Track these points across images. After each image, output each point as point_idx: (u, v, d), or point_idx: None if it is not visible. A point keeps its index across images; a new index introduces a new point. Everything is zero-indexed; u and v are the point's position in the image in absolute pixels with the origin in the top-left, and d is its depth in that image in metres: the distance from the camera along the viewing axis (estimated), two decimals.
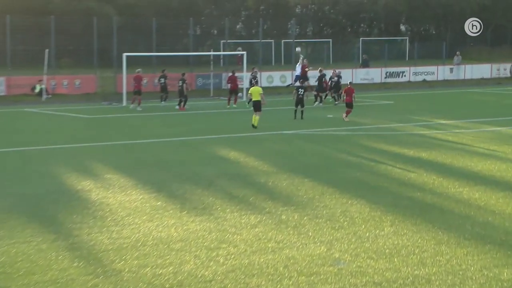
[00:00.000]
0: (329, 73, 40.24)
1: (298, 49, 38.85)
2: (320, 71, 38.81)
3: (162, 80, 37.90)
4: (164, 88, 37.76)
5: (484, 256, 11.90)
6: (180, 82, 36.37)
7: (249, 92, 29.30)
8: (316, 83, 38.70)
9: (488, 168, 19.74)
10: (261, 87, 30.16)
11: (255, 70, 39.95)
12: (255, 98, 28.61)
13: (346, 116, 30.55)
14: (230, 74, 39.26)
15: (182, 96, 36.13)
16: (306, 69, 40.77)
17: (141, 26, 53.06)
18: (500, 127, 28.86)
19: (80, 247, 12.47)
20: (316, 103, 37.72)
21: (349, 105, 30.82)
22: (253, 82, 37.44)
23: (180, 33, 57.76)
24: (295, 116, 31.17)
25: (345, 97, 31.48)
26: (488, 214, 14.70)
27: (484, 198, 16.11)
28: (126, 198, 16.26)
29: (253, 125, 28.05)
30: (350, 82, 32.83)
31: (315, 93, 38.22)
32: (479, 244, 12.54)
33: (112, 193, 16.72)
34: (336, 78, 39.02)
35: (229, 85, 38.26)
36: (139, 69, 37.18)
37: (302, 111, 31.15)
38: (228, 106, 37.15)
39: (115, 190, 17.09)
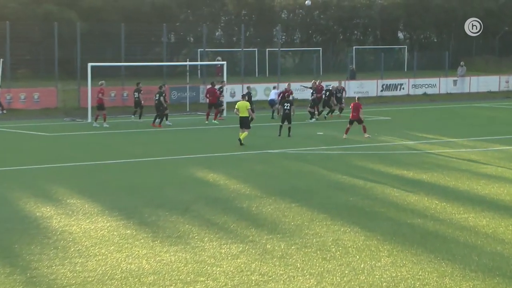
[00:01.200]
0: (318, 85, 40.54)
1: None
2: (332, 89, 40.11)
3: (136, 94, 37.96)
4: (138, 103, 37.81)
5: None
6: (157, 95, 36.47)
7: (236, 107, 29.49)
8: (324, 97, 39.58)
9: (496, 192, 19.90)
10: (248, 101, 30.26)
11: (223, 82, 40.53)
12: (242, 114, 28.87)
13: (365, 132, 31.08)
14: (209, 86, 39.39)
15: (159, 111, 36.20)
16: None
17: (108, 32, 53.11)
18: (509, 146, 29.12)
19: (39, 282, 12.42)
20: (313, 119, 38.00)
21: (352, 122, 31.21)
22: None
23: (153, 40, 57.89)
24: (280, 133, 31.34)
25: (351, 113, 31.73)
26: (497, 243, 14.81)
27: (492, 226, 16.24)
28: (91, 226, 16.22)
29: (240, 141, 28.49)
30: (358, 98, 33.48)
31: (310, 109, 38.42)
32: (486, 277, 12.63)
33: (75, 221, 16.67)
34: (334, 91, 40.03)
35: (207, 98, 38.41)
36: (102, 81, 37.11)
37: (289, 128, 31.34)
38: (207, 122, 37.23)
39: (79, 217, 17.05)
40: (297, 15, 75.47)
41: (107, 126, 35.68)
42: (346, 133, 31.06)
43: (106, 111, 36.45)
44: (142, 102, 37.81)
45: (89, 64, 38.39)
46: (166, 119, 36.51)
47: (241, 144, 28.45)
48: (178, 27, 66.64)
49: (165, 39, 50.21)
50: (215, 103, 37.88)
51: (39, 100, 43.21)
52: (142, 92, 38.15)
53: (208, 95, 38.43)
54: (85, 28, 49.82)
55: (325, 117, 39.26)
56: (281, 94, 39.41)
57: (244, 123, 28.83)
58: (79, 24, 45.68)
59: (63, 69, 46.14)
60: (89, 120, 37.94)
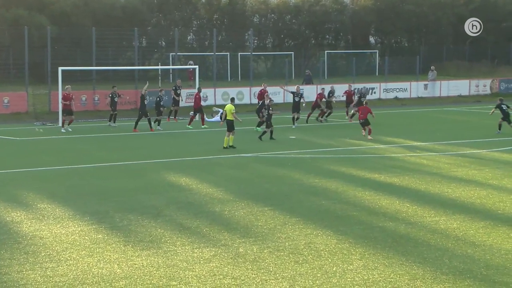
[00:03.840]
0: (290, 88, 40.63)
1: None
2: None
3: (115, 97, 37.97)
4: (114, 107, 37.89)
5: None
6: (158, 98, 37.00)
7: (224, 109, 30.38)
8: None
9: (467, 195, 20.08)
10: (233, 104, 30.57)
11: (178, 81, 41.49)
12: (228, 117, 29.57)
13: (369, 134, 32.78)
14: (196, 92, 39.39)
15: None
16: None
17: (78, 37, 52.87)
18: (480, 149, 29.40)
19: (9, 287, 12.32)
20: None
21: (363, 124, 33.22)
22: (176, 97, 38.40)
23: (124, 44, 57.71)
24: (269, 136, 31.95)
25: (359, 115, 33.75)
26: (467, 246, 14.95)
27: (463, 228, 16.39)
28: (62, 230, 16.13)
29: (224, 147, 29.09)
30: (366, 102, 34.89)
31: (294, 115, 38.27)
32: (457, 280, 12.75)
33: (46, 225, 16.58)
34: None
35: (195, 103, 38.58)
36: (67, 86, 36.88)
37: (271, 131, 31.89)
38: (188, 126, 37.26)
39: (50, 221, 16.95)
40: (269, 20, 75.62)
41: (70, 130, 35.46)
42: (365, 131, 33.05)
43: (73, 116, 36.28)
44: (117, 105, 38.09)
45: (60, 68, 38.19)
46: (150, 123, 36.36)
47: (229, 147, 29.04)
48: (149, 31, 66.51)
49: (136, 43, 50.06)
50: (198, 108, 37.91)
51: (9, 104, 42.86)
52: (118, 95, 38.32)
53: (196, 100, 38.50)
54: (55, 32, 49.52)
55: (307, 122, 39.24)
56: (259, 95, 39.60)
57: (229, 126, 29.40)
58: (49, 29, 45.41)
59: (33, 73, 45.87)
60: (60, 124, 37.71)
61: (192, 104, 39.48)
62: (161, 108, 37.01)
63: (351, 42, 77.27)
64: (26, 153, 29.10)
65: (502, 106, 34.76)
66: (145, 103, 36.36)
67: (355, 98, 41.42)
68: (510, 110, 34.84)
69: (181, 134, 35.77)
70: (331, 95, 40.95)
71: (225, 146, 29.26)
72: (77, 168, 25.23)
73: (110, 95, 38.44)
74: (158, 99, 37.25)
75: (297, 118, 37.70)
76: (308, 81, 55.94)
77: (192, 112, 38.17)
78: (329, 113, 40.57)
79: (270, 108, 32.23)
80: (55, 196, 19.95)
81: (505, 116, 34.50)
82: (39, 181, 22.70)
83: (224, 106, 31.38)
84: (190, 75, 54.33)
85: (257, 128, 35.11)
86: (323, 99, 40.61)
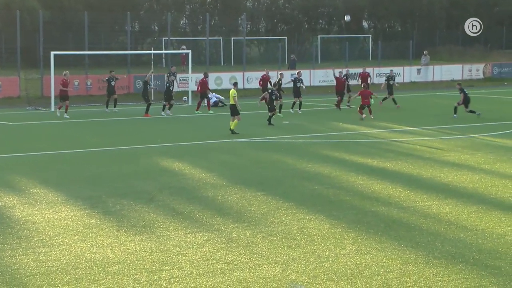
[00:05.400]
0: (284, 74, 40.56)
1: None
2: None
3: (112, 81, 37.79)
4: (111, 91, 37.67)
5: (455, 276, 12.15)
6: (167, 84, 36.66)
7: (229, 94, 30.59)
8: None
9: (459, 180, 20.13)
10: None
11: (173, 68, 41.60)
12: (231, 101, 29.64)
13: (370, 114, 34.46)
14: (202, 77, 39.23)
15: (146, 101, 36.20)
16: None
17: (71, 21, 52.65)
18: (472, 134, 29.45)
19: (2, 272, 12.32)
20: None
21: (363, 107, 34.34)
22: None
23: (116, 29, 57.48)
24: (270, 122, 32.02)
25: (361, 100, 34.62)
26: (460, 231, 15.00)
27: (455, 213, 16.44)
28: (55, 215, 16.13)
29: (231, 130, 29.05)
30: (364, 85, 36.56)
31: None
32: (449, 264, 12.80)
33: (39, 210, 16.56)
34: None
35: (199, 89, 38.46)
36: (65, 72, 36.63)
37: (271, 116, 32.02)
38: (198, 112, 37.22)
39: (42, 206, 16.94)
40: (262, 4, 75.42)
41: (67, 117, 35.26)
42: (362, 114, 34.08)
43: (68, 102, 36.11)
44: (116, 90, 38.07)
45: (52, 53, 38.07)
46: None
47: (232, 133, 28.86)
48: (142, 15, 66.25)
49: (129, 28, 49.89)
50: (204, 93, 37.87)
51: (1, 89, 42.75)
52: (116, 79, 38.18)
53: (199, 85, 38.34)
54: (47, 17, 49.32)
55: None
56: (261, 81, 39.59)
57: (232, 110, 29.39)
58: (41, 13, 45.20)
59: (25, 58, 45.67)
60: (52, 109, 37.63)
61: (188, 88, 39.45)
62: (171, 93, 36.59)
63: (344, 26, 77.14)
64: (18, 138, 29.04)
65: (464, 90, 35.38)
66: (148, 88, 36.34)
67: (384, 82, 41.11)
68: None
69: (176, 119, 35.71)
70: (346, 77, 40.73)
71: (232, 128, 29.17)
72: (70, 153, 25.20)
73: (107, 79, 38.19)
74: (167, 84, 36.87)
75: (300, 103, 37.50)
76: (293, 65, 55.86)
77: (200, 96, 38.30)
78: (349, 97, 40.38)
79: (273, 93, 32.44)
80: (48, 181, 19.93)
81: (467, 101, 34.71)
82: (31, 166, 22.66)
83: (217, 91, 31.68)
84: (183, 60, 54.20)
85: (279, 113, 34.79)
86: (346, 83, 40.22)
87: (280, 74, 39.64)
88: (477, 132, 29.83)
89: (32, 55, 46.59)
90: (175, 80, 41.13)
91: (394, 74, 42.45)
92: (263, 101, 34.49)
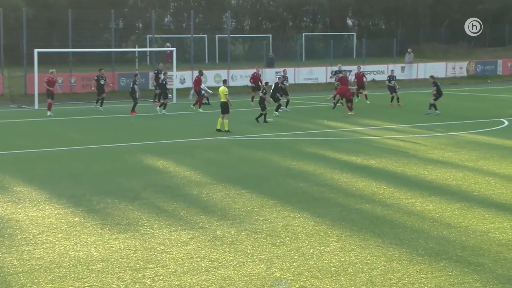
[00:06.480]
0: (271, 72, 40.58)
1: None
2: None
3: (101, 79, 37.62)
4: (101, 90, 37.48)
5: (438, 273, 12.19)
6: (132, 82, 36.42)
7: (218, 92, 30.15)
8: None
9: (443, 177, 20.20)
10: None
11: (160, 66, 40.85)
12: (222, 99, 29.32)
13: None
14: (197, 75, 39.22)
15: (133, 99, 36.07)
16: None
17: (55, 18, 52.37)
18: (456, 131, 29.56)
19: None
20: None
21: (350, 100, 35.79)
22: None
23: (100, 26, 57.25)
24: (265, 119, 31.97)
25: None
26: (443, 228, 15.05)
27: (439, 210, 16.50)
28: (38, 213, 16.05)
29: (218, 129, 28.80)
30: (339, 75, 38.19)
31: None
32: (433, 261, 12.84)
33: (22, 208, 16.48)
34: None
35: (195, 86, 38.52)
36: (52, 70, 36.38)
37: (265, 115, 31.90)
38: (200, 109, 37.14)
39: (26, 204, 16.86)
40: (247, 2, 75.38)
41: (51, 115, 35.04)
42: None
43: (52, 100, 35.85)
44: (106, 88, 37.89)
45: (36, 50, 37.89)
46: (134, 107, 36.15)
47: (223, 131, 28.65)
48: (126, 13, 65.99)
49: (113, 25, 49.73)
50: (199, 91, 37.93)
51: None
52: (105, 78, 38.03)
53: (195, 83, 38.41)
54: (31, 14, 49.09)
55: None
56: (251, 79, 39.48)
57: (223, 108, 29.07)
58: (25, 10, 44.98)
59: (9, 55, 45.42)
60: (36, 107, 37.46)
61: (173, 86, 39.44)
62: (167, 91, 36.42)
63: (328, 24, 77.24)
64: (1, 136, 28.88)
65: (438, 83, 35.73)
66: (136, 89, 36.13)
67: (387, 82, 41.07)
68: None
69: (161, 117, 35.61)
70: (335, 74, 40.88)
71: (218, 128, 28.94)
72: (54, 151, 25.09)
73: (96, 78, 37.99)
74: (164, 82, 36.70)
75: (288, 101, 37.48)
76: (271, 64, 55.86)
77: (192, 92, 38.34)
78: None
79: (265, 91, 32.31)
80: (31, 179, 19.84)
81: (440, 94, 35.14)
82: (15, 164, 22.56)
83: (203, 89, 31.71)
84: (168, 57, 54.09)
85: (275, 112, 34.67)
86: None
87: (283, 72, 39.37)
88: (460, 130, 29.94)
89: (16, 53, 46.32)
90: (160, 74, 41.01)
91: (394, 75, 42.34)
92: (257, 99, 34.25)
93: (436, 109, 34.77)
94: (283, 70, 40.45)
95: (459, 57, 64.09)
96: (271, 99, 33.55)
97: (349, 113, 34.44)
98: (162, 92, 36.32)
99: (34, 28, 47.88)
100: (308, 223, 15.26)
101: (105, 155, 24.29)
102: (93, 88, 38.48)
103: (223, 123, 28.96)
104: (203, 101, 38.64)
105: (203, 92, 39.35)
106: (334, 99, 37.79)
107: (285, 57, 63.84)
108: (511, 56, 64.18)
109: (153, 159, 23.09)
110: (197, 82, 38.19)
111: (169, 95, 36.68)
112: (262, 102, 32.02)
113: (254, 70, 41.50)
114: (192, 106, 37.46)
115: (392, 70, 43.94)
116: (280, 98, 34.23)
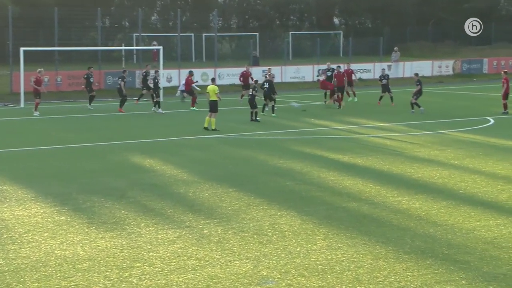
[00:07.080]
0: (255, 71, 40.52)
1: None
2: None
3: (90, 77, 37.45)
4: (90, 88, 37.35)
5: (425, 271, 12.23)
6: (119, 79, 36.35)
7: (206, 90, 29.90)
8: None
9: (429, 175, 20.27)
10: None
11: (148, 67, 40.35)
12: (211, 97, 29.06)
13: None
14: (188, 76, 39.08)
15: (122, 96, 35.92)
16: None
17: (41, 17, 52.13)
18: (442, 130, 29.65)
19: None
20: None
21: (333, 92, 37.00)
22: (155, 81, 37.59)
23: (87, 25, 57.10)
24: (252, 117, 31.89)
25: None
26: (429, 226, 15.10)
27: (425, 208, 16.55)
28: (24, 212, 15.99)
29: (205, 127, 28.72)
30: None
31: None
32: (419, 259, 12.88)
33: (8, 207, 16.41)
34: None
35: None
36: (40, 69, 36.13)
37: (256, 112, 31.83)
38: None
39: (12, 203, 16.79)
40: (234, 0, 75.34)
41: (38, 114, 34.77)
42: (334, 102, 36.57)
43: (39, 100, 35.63)
44: (94, 86, 37.71)
45: (21, 49, 37.72)
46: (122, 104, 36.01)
47: (210, 129, 28.54)
48: (113, 11, 65.88)
49: (99, 24, 49.57)
50: (189, 91, 37.84)
51: None
52: (92, 76, 37.89)
53: (186, 84, 38.32)
54: (17, 12, 48.87)
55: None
56: (241, 77, 39.29)
57: (212, 107, 28.95)
58: (11, 8, 44.77)
59: None
60: (22, 105, 37.31)
61: (160, 85, 39.28)
62: (159, 90, 36.23)
63: (315, 23, 77.32)
64: None
65: (421, 82, 35.96)
66: (123, 86, 36.04)
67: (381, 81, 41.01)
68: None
69: (148, 115, 35.54)
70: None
71: (205, 126, 28.88)
72: (40, 150, 25.00)
73: (86, 76, 37.82)
74: (156, 80, 36.51)
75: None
76: (255, 63, 55.85)
77: (185, 93, 38.20)
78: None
79: (255, 89, 32.21)
80: (17, 177, 19.76)
81: (420, 93, 35.42)
82: (0, 163, 22.44)
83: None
84: (154, 56, 53.98)
85: (273, 114, 34.19)
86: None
87: (271, 76, 38.45)
88: (446, 128, 30.04)
89: (1, 51, 46.16)
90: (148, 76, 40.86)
91: (386, 73, 42.20)
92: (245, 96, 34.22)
93: (420, 106, 34.85)
94: (268, 69, 40.35)
95: (446, 56, 64.27)
96: (263, 97, 33.53)
97: (329, 102, 36.09)
98: (154, 91, 36.14)
99: (20, 26, 47.70)
100: (295, 222, 15.27)
101: (92, 153, 24.21)
102: (82, 86, 38.28)
103: (210, 122, 28.92)
104: (180, 98, 38.56)
105: (182, 88, 39.28)
106: (333, 101, 37.85)
107: (272, 56, 63.84)
108: (497, 54, 64.38)
109: (140, 158, 23.04)
110: (188, 82, 38.00)
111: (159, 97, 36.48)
112: (253, 100, 31.89)
113: (243, 69, 41.43)
114: (191, 107, 37.16)
115: (383, 69, 43.85)
116: (273, 96, 33.89)
